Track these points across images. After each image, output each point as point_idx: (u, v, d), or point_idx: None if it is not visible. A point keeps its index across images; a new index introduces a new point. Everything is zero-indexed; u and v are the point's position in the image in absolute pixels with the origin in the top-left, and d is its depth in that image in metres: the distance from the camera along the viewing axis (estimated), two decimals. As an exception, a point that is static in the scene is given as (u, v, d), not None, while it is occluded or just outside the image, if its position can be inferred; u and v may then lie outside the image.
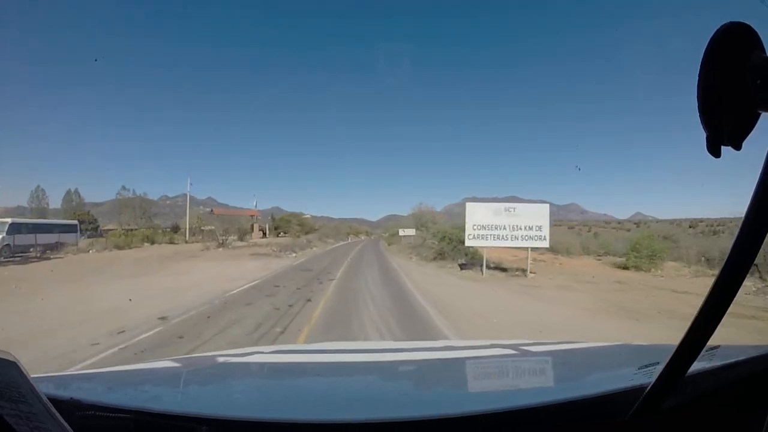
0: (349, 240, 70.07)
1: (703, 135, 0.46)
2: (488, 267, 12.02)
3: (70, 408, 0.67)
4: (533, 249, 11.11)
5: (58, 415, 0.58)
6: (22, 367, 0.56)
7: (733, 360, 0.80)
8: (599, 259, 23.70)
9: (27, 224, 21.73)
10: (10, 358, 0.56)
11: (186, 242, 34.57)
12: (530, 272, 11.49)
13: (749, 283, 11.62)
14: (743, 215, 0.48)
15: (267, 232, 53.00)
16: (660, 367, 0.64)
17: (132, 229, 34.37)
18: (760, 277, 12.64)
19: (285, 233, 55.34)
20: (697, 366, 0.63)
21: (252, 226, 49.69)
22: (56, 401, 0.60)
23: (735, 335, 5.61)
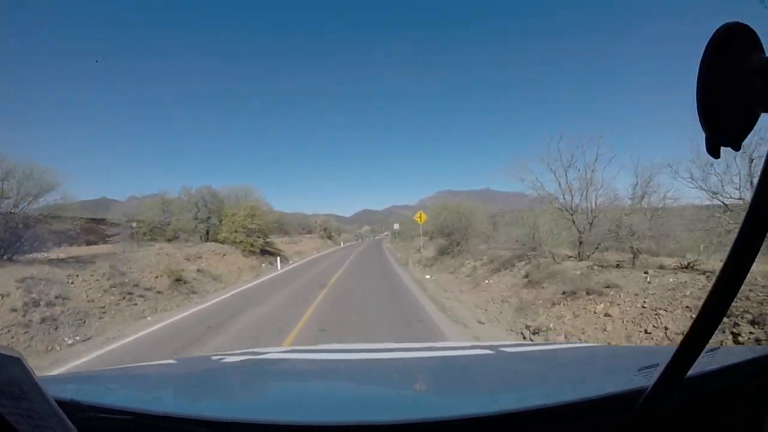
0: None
1: (703, 135, 0.46)
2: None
3: (70, 409, 0.66)
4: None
5: (61, 412, 0.57)
6: (25, 364, 0.55)
7: (732, 362, 0.80)
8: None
9: None
10: (14, 354, 0.54)
11: None
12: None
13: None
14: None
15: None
16: (660, 369, 0.64)
17: None
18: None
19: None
20: (696, 368, 0.63)
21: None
22: (56, 402, 0.59)
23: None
